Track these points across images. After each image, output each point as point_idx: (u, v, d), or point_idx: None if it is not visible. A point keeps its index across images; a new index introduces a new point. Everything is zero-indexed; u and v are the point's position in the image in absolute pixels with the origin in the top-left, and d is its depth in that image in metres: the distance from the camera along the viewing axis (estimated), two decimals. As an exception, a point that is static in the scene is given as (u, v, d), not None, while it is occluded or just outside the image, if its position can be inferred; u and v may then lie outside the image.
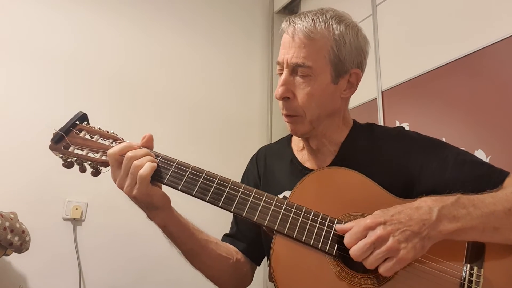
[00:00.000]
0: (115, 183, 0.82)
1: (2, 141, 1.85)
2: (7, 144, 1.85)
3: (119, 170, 0.80)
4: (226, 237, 1.07)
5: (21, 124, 1.89)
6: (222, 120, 2.45)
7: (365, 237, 0.72)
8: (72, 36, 2.14)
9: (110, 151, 0.81)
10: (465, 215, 0.74)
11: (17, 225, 1.57)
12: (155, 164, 0.80)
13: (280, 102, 0.91)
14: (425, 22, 1.79)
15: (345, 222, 0.79)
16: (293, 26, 0.87)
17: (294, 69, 0.87)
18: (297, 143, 1.03)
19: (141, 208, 0.85)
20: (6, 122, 1.88)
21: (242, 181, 1.10)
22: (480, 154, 1.45)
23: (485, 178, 0.85)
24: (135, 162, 0.79)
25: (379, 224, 0.71)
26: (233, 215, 1.01)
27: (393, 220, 0.72)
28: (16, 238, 1.54)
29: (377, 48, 1.99)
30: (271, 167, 1.04)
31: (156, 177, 0.82)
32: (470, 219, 0.74)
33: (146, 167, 0.79)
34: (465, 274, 0.76)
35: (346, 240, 0.73)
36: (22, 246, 1.57)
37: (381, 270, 0.71)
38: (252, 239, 1.03)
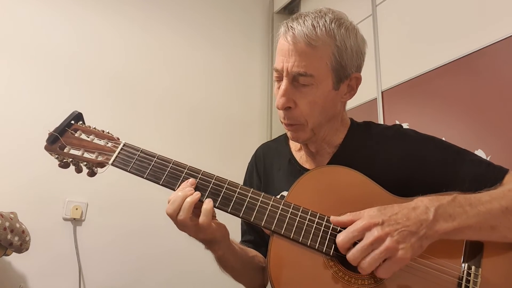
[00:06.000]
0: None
1: (3, 141, 1.86)
2: (8, 144, 1.86)
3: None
4: (248, 244, 1.05)
5: (21, 124, 1.90)
6: (222, 120, 2.45)
7: (361, 238, 0.71)
8: (74, 36, 2.14)
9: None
10: (461, 214, 0.74)
11: (17, 225, 1.57)
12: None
13: (281, 111, 0.89)
14: (425, 22, 1.78)
15: None
16: (292, 32, 0.83)
17: (294, 78, 0.85)
18: (294, 142, 1.02)
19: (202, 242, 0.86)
20: (6, 122, 1.88)
21: (245, 183, 1.09)
22: (480, 154, 1.45)
23: (483, 176, 0.84)
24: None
25: (376, 225, 0.71)
26: (242, 221, 1.01)
27: (391, 221, 0.71)
28: (16, 238, 1.54)
29: (377, 48, 1.98)
30: (270, 168, 1.04)
31: (152, 178, 0.82)
32: (466, 218, 0.74)
33: (205, 210, 0.78)
34: (463, 274, 0.76)
35: (339, 239, 0.73)
36: (22, 246, 1.57)
37: (380, 271, 0.70)
38: None
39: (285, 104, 0.86)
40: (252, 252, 0.99)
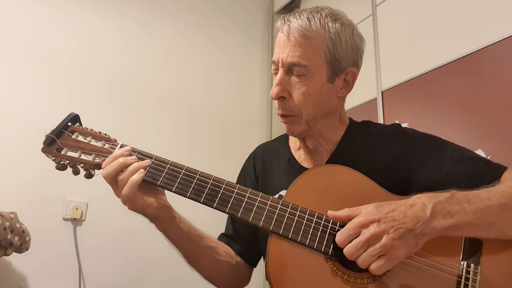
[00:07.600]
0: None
1: (3, 141, 1.86)
2: (8, 144, 1.86)
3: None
4: (223, 237, 1.07)
5: (21, 124, 1.90)
6: (222, 120, 2.45)
7: (358, 235, 0.71)
8: (73, 36, 2.14)
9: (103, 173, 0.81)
10: (459, 211, 0.74)
11: (17, 225, 1.57)
12: (139, 177, 0.80)
13: (276, 102, 0.90)
14: (425, 22, 1.78)
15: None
16: (288, 24, 0.86)
17: (289, 68, 0.86)
18: (294, 142, 1.03)
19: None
20: (6, 122, 1.88)
21: (239, 180, 1.10)
22: (480, 153, 1.45)
23: (481, 174, 0.84)
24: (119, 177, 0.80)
25: (372, 222, 0.71)
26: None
27: (387, 218, 0.71)
28: (16, 238, 1.54)
29: (377, 48, 1.98)
30: (269, 166, 1.04)
31: (150, 179, 0.82)
32: (464, 214, 0.74)
33: (130, 182, 0.79)
34: (462, 271, 0.76)
35: (337, 238, 0.73)
36: (22, 246, 1.57)
37: (373, 267, 0.70)
38: (248, 241, 1.03)
39: (279, 93, 0.87)
40: (212, 241, 0.97)
